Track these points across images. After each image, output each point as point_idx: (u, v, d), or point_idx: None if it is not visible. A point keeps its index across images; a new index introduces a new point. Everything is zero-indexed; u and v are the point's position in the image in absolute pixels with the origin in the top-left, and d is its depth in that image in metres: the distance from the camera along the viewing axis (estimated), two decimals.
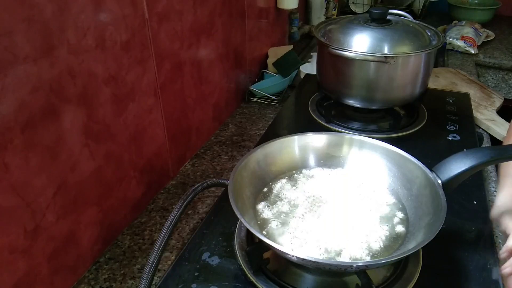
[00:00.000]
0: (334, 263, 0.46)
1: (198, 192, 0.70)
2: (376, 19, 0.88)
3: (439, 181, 0.57)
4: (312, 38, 1.70)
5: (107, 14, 0.64)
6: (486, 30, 1.77)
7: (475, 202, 0.71)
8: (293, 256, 0.46)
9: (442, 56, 1.59)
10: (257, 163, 0.62)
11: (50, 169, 0.58)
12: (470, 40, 1.62)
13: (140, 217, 0.82)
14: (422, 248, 0.60)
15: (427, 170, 0.59)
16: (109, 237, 0.75)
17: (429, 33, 0.90)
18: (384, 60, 0.81)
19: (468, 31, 1.66)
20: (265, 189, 0.63)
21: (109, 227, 0.74)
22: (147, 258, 0.61)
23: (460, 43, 1.61)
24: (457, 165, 0.58)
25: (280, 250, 0.47)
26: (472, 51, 1.60)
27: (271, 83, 1.23)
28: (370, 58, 0.82)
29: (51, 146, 0.58)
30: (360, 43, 0.84)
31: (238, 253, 0.60)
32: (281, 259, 0.59)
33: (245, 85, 1.23)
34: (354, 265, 0.46)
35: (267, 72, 1.29)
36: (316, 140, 0.68)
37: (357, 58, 0.83)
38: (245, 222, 0.49)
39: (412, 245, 0.51)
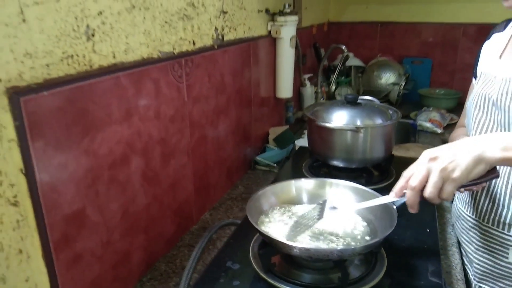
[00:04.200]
0: (320, 249, 0.69)
1: (219, 227, 0.94)
2: (350, 102, 1.19)
3: (394, 207, 0.82)
4: (305, 121, 2.03)
5: (162, 97, 0.94)
6: (451, 114, 2.11)
7: (428, 230, 0.95)
8: (289, 245, 0.69)
9: (413, 135, 1.91)
10: (266, 195, 0.88)
11: (120, 198, 0.83)
12: (437, 122, 1.95)
13: (172, 250, 1.04)
14: (387, 259, 0.83)
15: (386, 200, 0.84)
16: (150, 262, 0.96)
17: (391, 112, 1.21)
18: (356, 130, 1.10)
19: (435, 115, 2.00)
20: (268, 213, 0.88)
21: (151, 254, 0.96)
22: (180, 277, 0.83)
23: (428, 124, 1.94)
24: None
25: (278, 240, 0.70)
26: (439, 131, 1.91)
27: (272, 154, 1.51)
28: (346, 128, 1.11)
29: (123, 182, 0.84)
30: (339, 118, 1.14)
31: (253, 261, 0.82)
32: (284, 263, 0.81)
33: (251, 156, 1.51)
34: (335, 252, 0.69)
35: (268, 146, 1.58)
36: (307, 183, 0.94)
37: (337, 128, 1.12)
38: (256, 225, 0.73)
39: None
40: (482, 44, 1.05)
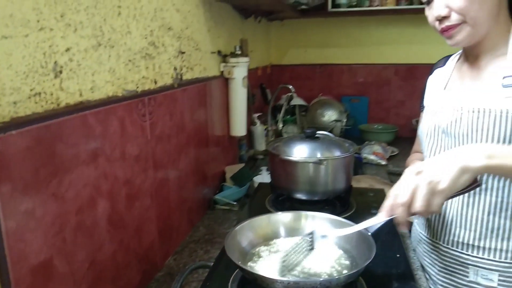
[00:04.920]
0: (309, 281, 0.68)
1: (190, 271, 0.89)
2: (309, 136, 1.23)
3: (369, 233, 0.84)
4: (257, 159, 2.05)
5: (127, 136, 0.90)
6: (391, 147, 2.25)
7: (398, 255, 0.98)
8: (276, 279, 0.67)
9: (361, 168, 1.99)
10: (243, 232, 0.85)
11: (88, 246, 0.77)
12: (380, 155, 2.07)
13: None
14: (366, 284, 0.84)
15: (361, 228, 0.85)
16: None
17: (347, 144, 1.26)
18: (319, 162, 1.13)
19: (377, 148, 2.12)
20: (247, 250, 0.85)
21: None
22: None
23: (372, 157, 2.05)
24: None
25: (264, 276, 0.68)
26: (383, 163, 2.02)
27: (231, 192, 1.49)
28: (309, 161, 1.14)
29: (90, 227, 0.78)
30: (301, 151, 1.17)
31: None
32: None
33: (209, 196, 1.48)
34: (318, 282, 0.68)
35: (226, 185, 1.56)
36: (283, 217, 0.93)
37: (300, 161, 1.14)
38: (237, 262, 0.71)
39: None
40: (422, 80, 1.15)
